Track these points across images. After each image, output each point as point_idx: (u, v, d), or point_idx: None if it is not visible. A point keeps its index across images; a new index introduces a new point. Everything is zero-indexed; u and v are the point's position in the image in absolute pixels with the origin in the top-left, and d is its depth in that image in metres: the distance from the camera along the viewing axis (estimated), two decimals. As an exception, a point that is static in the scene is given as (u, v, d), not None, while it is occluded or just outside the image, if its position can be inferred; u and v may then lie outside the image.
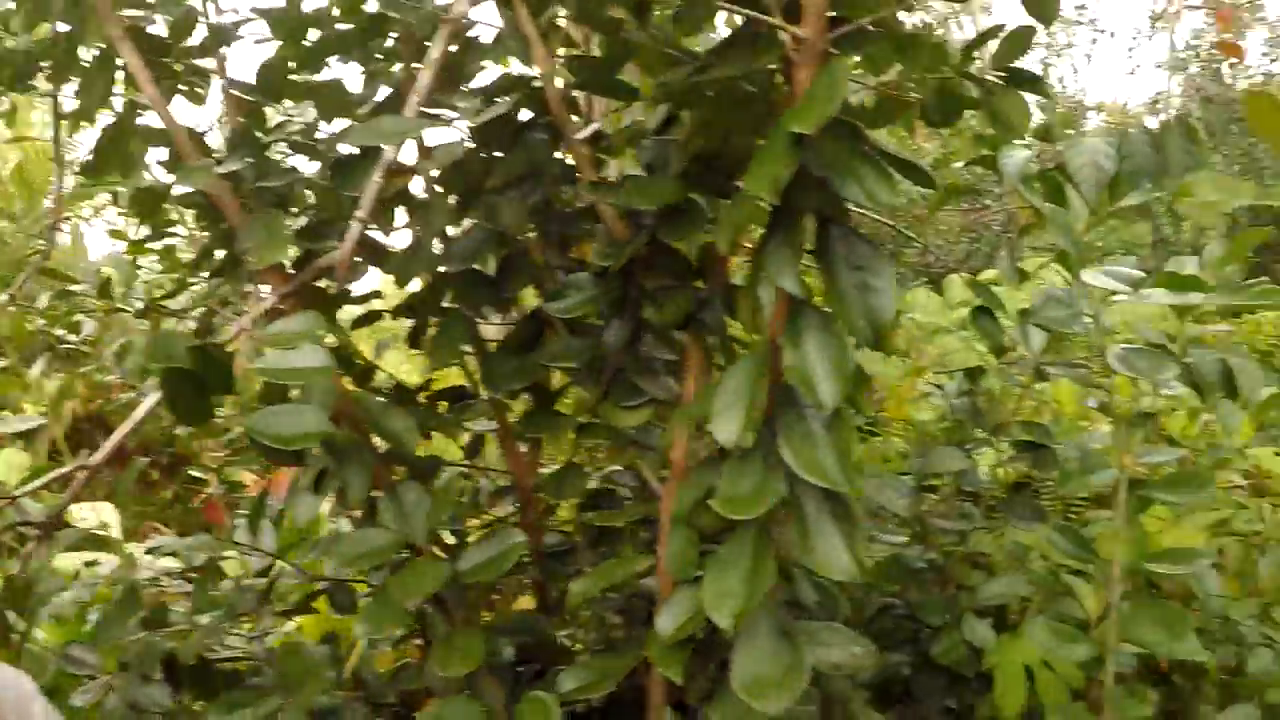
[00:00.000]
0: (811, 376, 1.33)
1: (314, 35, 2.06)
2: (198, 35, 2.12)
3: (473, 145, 2.03)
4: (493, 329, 2.21)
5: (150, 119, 2.13)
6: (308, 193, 2.14)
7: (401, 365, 4.04)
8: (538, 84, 1.92)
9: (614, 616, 2.20)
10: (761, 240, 1.40)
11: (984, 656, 2.27)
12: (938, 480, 2.50)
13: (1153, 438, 2.68)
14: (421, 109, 1.84)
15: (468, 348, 2.10)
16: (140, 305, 3.01)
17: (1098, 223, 2.10)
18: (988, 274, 5.19)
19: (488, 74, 2.12)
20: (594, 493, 2.18)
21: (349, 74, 2.20)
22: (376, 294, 2.39)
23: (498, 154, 2.02)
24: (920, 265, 9.95)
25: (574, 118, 2.11)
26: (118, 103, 2.18)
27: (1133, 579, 1.90)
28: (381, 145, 1.91)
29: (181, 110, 2.83)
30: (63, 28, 2.11)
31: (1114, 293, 1.79)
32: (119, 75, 2.11)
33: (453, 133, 2.05)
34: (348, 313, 2.29)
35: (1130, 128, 2.09)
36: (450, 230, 2.09)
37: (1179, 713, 2.52)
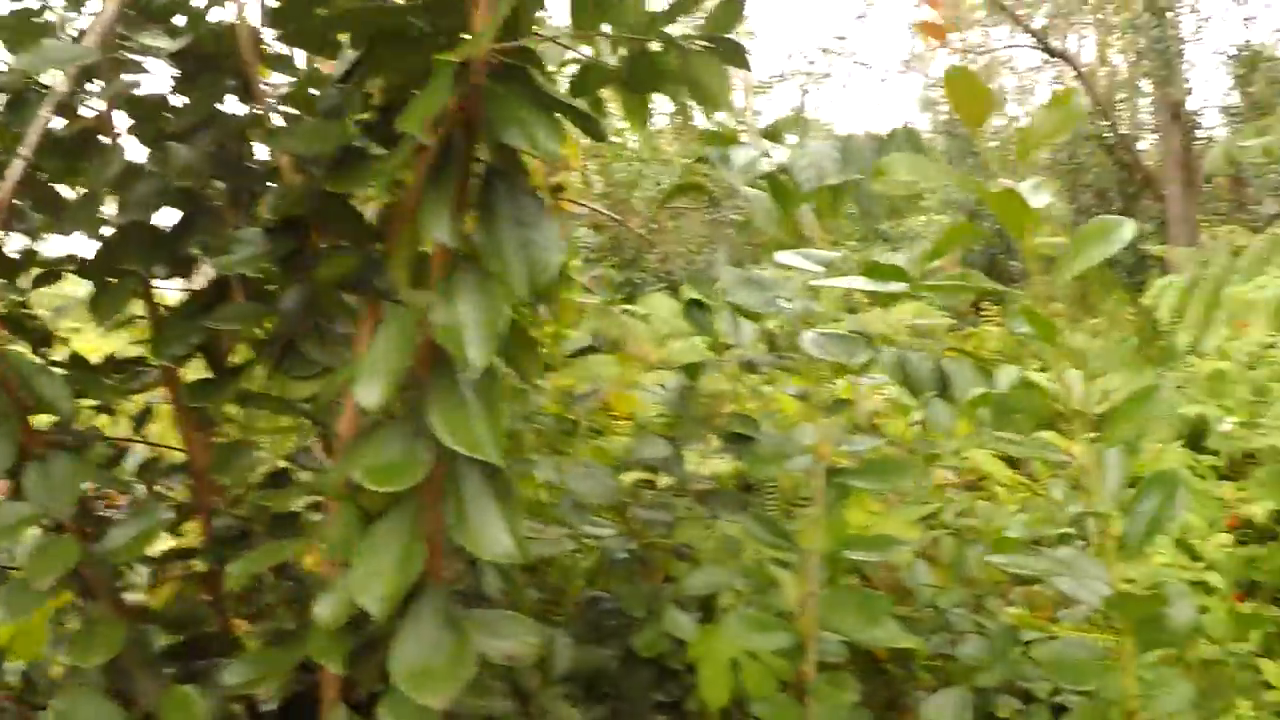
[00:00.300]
0: (461, 336, 1.22)
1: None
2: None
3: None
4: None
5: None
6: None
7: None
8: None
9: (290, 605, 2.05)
10: (419, 190, 1.29)
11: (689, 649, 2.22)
12: (651, 475, 2.45)
13: (863, 427, 2.69)
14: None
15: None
16: None
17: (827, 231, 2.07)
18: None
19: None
20: (279, 473, 2.03)
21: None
22: (71, 257, 2.19)
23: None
24: (661, 272, 10.04)
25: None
26: None
27: (834, 568, 1.86)
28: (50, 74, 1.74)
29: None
30: None
31: (810, 275, 1.75)
32: None
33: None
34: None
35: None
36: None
37: (894, 701, 2.53)
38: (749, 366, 2.15)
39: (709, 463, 2.71)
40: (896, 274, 1.77)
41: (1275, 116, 8.31)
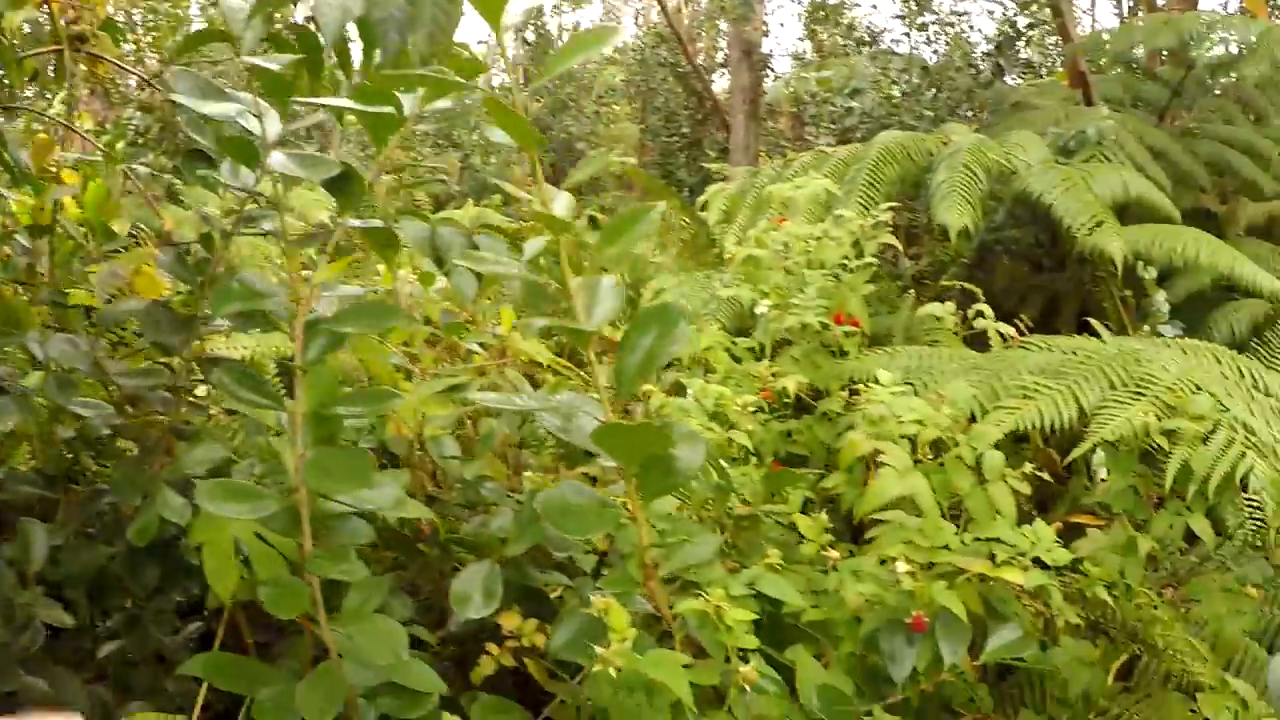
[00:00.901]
0: None
1: None
2: None
3: None
4: None
5: None
6: None
7: None
8: None
9: None
10: None
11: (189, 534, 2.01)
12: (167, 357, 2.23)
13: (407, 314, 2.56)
14: None
15: None
16: None
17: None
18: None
19: None
20: None
21: None
22: None
23: None
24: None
25: None
26: None
27: (325, 428, 1.71)
28: None
29: None
30: None
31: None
32: None
33: None
34: None
35: None
36: None
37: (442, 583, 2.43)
38: (249, 222, 1.95)
39: (241, 341, 2.52)
40: (385, 99, 1.64)
41: (835, 60, 8.83)
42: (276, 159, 1.57)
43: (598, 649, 1.64)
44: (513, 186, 1.74)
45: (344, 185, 1.68)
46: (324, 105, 1.61)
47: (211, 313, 1.84)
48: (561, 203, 1.62)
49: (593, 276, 1.67)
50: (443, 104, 1.76)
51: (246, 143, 1.71)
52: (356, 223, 1.72)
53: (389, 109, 1.61)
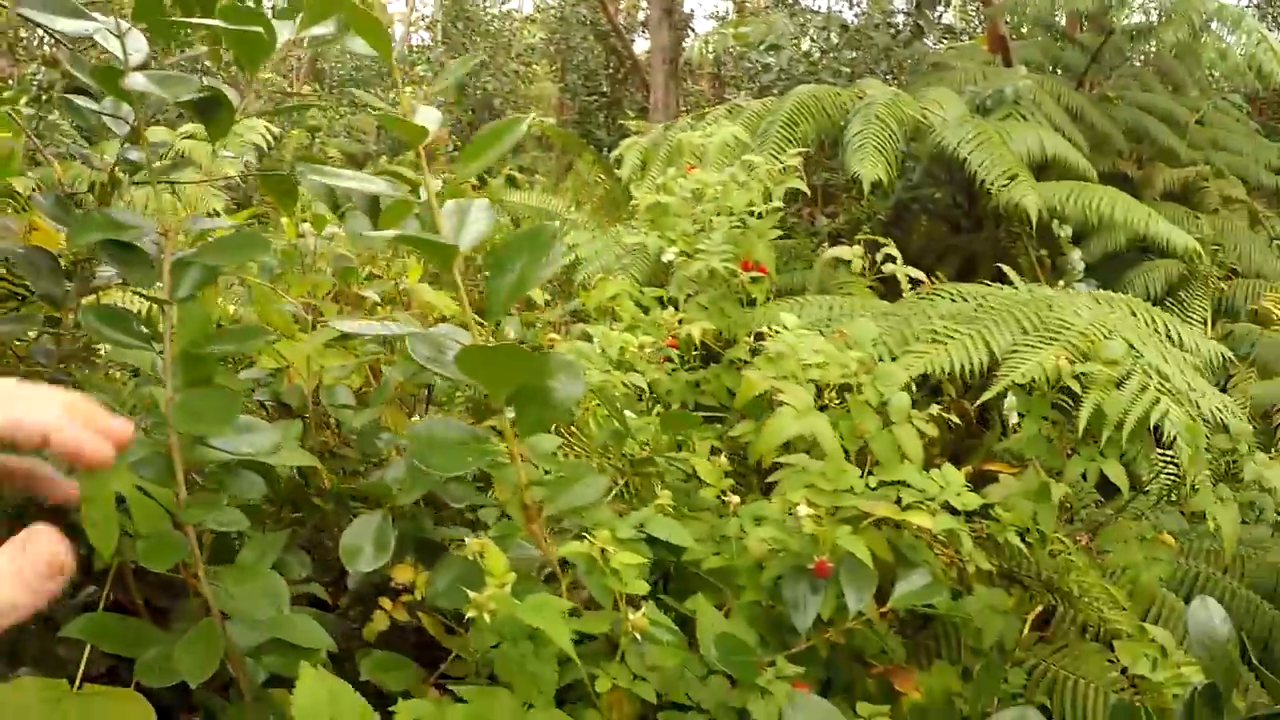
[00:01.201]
0: None
1: None
2: None
3: None
4: None
5: None
6: None
7: None
8: None
9: None
10: None
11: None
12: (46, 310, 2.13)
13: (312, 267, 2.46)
14: None
15: None
16: None
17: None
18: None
19: None
20: None
21: None
22: None
23: None
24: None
25: None
26: None
27: (198, 368, 1.61)
28: None
29: None
30: None
31: None
32: None
33: None
34: None
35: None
36: None
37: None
38: (131, 167, 1.84)
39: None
40: (253, 18, 1.54)
41: (754, 18, 8.76)
42: (135, 79, 1.47)
43: (472, 594, 1.55)
44: (372, 97, 1.65)
45: (213, 110, 1.58)
46: (189, 24, 1.51)
47: (69, 243, 1.73)
48: (425, 115, 1.53)
49: (465, 199, 1.59)
50: (321, 30, 1.66)
51: (114, 69, 1.60)
52: (229, 153, 1.62)
53: (258, 29, 1.51)
